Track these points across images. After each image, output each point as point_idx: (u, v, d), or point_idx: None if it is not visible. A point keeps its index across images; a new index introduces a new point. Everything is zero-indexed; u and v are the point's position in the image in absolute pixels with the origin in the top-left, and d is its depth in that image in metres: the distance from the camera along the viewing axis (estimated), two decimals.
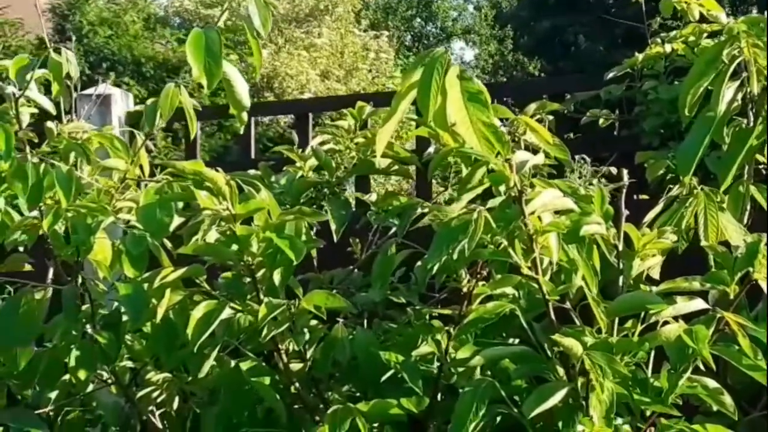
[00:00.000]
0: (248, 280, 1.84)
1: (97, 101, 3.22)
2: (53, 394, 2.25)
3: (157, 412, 2.32)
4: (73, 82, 2.09)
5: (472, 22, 18.35)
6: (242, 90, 2.04)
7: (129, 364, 2.28)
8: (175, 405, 2.35)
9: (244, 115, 2.07)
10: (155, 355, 2.13)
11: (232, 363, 2.01)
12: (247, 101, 2.05)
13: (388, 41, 12.90)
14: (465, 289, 1.83)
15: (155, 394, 2.30)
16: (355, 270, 2.50)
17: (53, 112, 2.15)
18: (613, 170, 3.08)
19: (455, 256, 1.68)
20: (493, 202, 1.82)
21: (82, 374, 1.96)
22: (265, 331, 1.78)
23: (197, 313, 1.75)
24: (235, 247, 1.81)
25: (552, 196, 1.75)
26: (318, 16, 12.23)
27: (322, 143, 2.65)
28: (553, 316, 1.79)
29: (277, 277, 1.84)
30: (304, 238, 1.83)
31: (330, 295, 1.81)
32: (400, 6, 17.51)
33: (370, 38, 12.78)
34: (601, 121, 3.36)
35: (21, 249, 2.22)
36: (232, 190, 1.76)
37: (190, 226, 1.79)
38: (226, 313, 1.77)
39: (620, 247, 1.94)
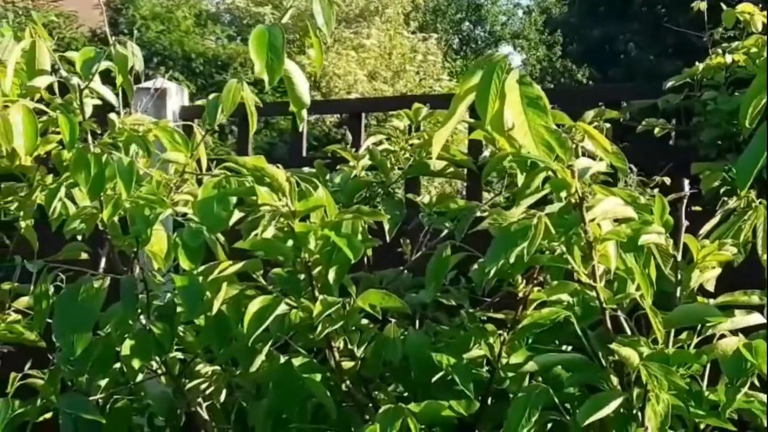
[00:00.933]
0: (303, 276, 1.84)
1: (155, 95, 3.26)
2: (103, 382, 2.27)
3: (204, 404, 2.34)
4: (134, 75, 2.10)
5: (521, 26, 18.27)
6: (303, 87, 2.04)
7: (179, 355, 2.30)
8: (222, 398, 2.37)
9: (304, 112, 2.08)
10: (207, 348, 2.15)
11: (282, 359, 2.03)
12: (307, 98, 2.06)
13: (436, 44, 12.90)
14: (521, 294, 1.82)
15: (203, 386, 2.32)
16: (405, 271, 2.50)
17: (115, 104, 2.17)
18: (667, 180, 3.06)
19: (512, 260, 1.67)
20: (550, 209, 1.81)
21: (136, 363, 1.98)
22: (319, 328, 1.78)
23: (253, 307, 1.76)
24: (291, 243, 1.81)
25: (613, 203, 1.73)
26: (368, 16, 12.26)
27: (377, 144, 2.66)
28: (609, 325, 1.78)
29: (332, 275, 1.85)
30: (359, 237, 1.83)
31: (385, 295, 1.81)
32: (449, 9, 17.48)
33: (418, 40, 12.77)
34: (656, 130, 3.33)
35: (79, 238, 2.26)
36: (291, 187, 1.77)
37: (249, 221, 1.80)
38: (281, 308, 1.78)
39: (678, 258, 1.92)
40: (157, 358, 2.19)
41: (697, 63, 3.01)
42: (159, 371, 2.24)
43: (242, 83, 1.97)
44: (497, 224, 1.69)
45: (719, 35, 3.19)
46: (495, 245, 1.68)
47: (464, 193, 3.15)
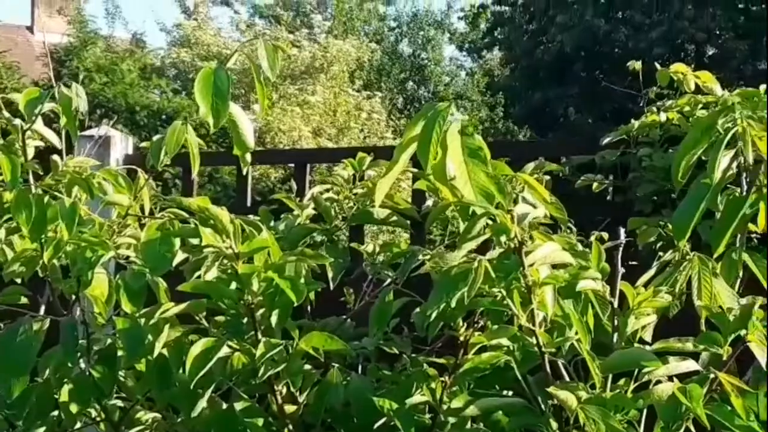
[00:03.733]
0: (246, 319, 1.84)
1: (99, 142, 3.25)
2: (41, 430, 2.23)
3: None
4: (77, 119, 2.11)
5: (464, 88, 18.58)
6: (247, 131, 2.06)
7: (119, 402, 2.27)
8: None
9: (248, 156, 2.10)
10: (147, 393, 2.13)
11: (224, 405, 2.02)
12: (251, 142, 2.08)
13: (380, 102, 13.05)
14: (462, 338, 1.84)
15: None
16: (348, 320, 2.51)
17: (59, 146, 2.17)
18: (605, 235, 3.12)
19: (453, 304, 1.70)
20: (491, 254, 1.85)
21: (74, 408, 1.96)
22: (261, 371, 1.78)
23: (195, 349, 1.76)
24: (234, 285, 1.82)
25: (551, 249, 1.77)
26: (313, 73, 12.37)
27: (321, 193, 2.69)
28: (548, 369, 1.80)
29: (274, 317, 1.85)
30: (303, 280, 1.85)
31: (329, 338, 1.82)
32: (393, 68, 17.72)
33: (363, 98, 12.91)
34: (594, 185, 3.41)
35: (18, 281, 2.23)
36: (235, 229, 1.78)
37: (192, 262, 1.80)
38: (224, 351, 1.78)
39: (615, 305, 1.97)
40: (96, 405, 2.17)
41: (633, 120, 3.11)
42: (98, 418, 2.21)
43: (186, 125, 1.98)
44: (438, 268, 1.71)
45: (654, 94, 3.29)
46: (436, 288, 1.70)
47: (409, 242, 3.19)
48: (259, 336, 1.83)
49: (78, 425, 2.18)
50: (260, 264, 1.81)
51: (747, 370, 2.14)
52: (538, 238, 1.80)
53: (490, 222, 1.82)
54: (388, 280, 2.40)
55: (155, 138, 1.98)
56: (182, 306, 1.81)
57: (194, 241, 1.82)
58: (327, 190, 2.71)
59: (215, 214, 1.77)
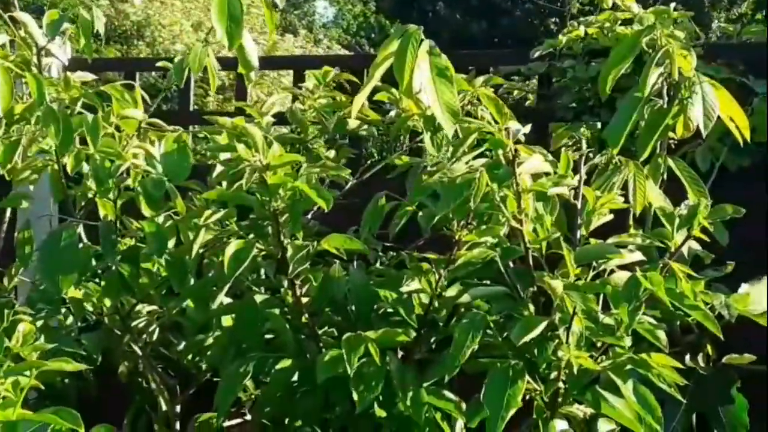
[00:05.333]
0: (270, 224, 2.08)
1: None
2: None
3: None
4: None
5: None
6: (252, 52, 2.26)
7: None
8: (155, 335, 2.58)
9: (252, 75, 2.30)
10: (157, 288, 2.34)
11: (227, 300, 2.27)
12: (255, 62, 2.29)
13: None
14: (456, 237, 2.13)
15: (141, 325, 2.52)
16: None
17: (65, 62, 2.31)
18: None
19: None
20: (477, 163, 2.12)
21: (107, 302, 2.16)
22: (291, 267, 2.03)
23: (230, 250, 1.98)
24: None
25: (537, 161, 2.07)
26: None
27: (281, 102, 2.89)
28: (531, 263, 2.12)
29: (292, 222, 2.10)
30: None
31: (348, 239, 2.08)
32: None
33: None
34: (515, 92, 3.73)
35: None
36: (264, 144, 2.00)
37: (231, 174, 2.01)
38: (254, 251, 2.02)
39: (579, 206, 2.29)
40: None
41: (560, 36, 3.41)
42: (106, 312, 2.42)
43: (208, 47, 2.17)
44: (445, 177, 1.99)
45: (576, 9, 3.60)
46: (445, 195, 1.98)
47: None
48: (282, 238, 2.07)
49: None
50: (282, 175, 2.03)
51: None
52: (523, 152, 2.09)
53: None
54: (349, 183, 2.67)
55: (177, 59, 2.16)
56: (220, 213, 2.03)
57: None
58: (294, 100, 2.90)
59: (250, 132, 1.98)
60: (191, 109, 3.63)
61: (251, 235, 2.05)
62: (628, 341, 2.19)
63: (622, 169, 2.55)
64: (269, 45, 11.41)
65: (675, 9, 3.38)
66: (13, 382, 1.39)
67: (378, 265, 2.48)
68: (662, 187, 2.60)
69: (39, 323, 2.38)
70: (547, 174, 2.11)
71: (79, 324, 2.50)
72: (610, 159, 2.62)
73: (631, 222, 2.54)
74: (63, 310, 2.44)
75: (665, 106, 2.52)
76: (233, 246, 1.99)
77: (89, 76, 2.43)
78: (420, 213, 2.09)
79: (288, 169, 2.09)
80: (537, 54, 3.39)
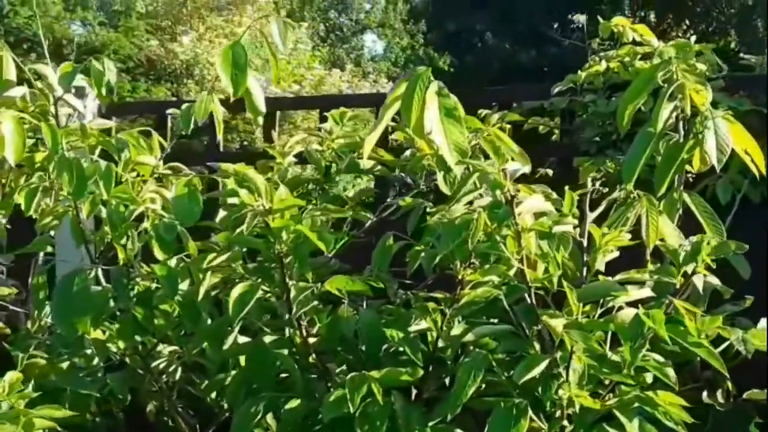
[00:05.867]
0: (275, 265, 2.13)
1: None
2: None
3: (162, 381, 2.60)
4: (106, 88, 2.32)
5: (384, 15, 18.77)
6: (259, 97, 2.33)
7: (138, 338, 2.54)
8: (178, 375, 2.64)
9: (260, 119, 2.36)
10: (174, 329, 2.40)
11: (241, 339, 2.31)
12: (263, 107, 2.35)
13: (306, 31, 13.16)
14: (459, 276, 2.16)
15: (162, 365, 2.58)
16: (333, 259, 2.80)
17: (83, 112, 2.39)
18: (549, 172, 3.49)
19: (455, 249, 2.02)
20: (479, 204, 2.15)
21: (121, 344, 2.22)
22: (294, 309, 2.08)
23: (235, 292, 2.04)
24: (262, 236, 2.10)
25: (536, 200, 2.10)
26: (239, 4, 12.40)
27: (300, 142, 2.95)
28: (533, 301, 2.14)
29: (297, 264, 2.15)
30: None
31: (350, 280, 2.12)
32: None
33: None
34: (540, 128, 3.76)
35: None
36: (266, 189, 2.05)
37: (233, 219, 2.07)
38: (258, 293, 2.07)
39: (585, 244, 2.30)
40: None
41: (579, 71, 3.43)
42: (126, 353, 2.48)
43: (212, 95, 2.23)
44: (444, 219, 2.02)
45: (596, 44, 3.63)
46: (443, 235, 2.01)
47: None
48: (287, 280, 2.12)
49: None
50: (287, 218, 2.08)
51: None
52: (523, 191, 2.12)
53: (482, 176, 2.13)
54: (368, 223, 2.71)
55: (184, 106, 2.23)
56: (225, 255, 2.09)
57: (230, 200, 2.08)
58: (307, 141, 2.97)
59: (251, 177, 2.04)
60: (221, 148, 3.73)
61: (258, 278, 2.09)
62: (649, 378, 2.19)
63: (635, 204, 2.56)
64: (316, 80, 11.60)
65: (698, 41, 3.39)
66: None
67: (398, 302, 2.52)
68: (680, 222, 2.60)
69: (64, 365, 2.48)
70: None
71: (103, 364, 2.57)
72: (629, 194, 2.63)
73: (648, 258, 2.54)
74: (89, 351, 2.52)
75: (681, 140, 2.52)
76: (238, 288, 2.04)
77: (108, 123, 2.52)
78: (422, 254, 2.12)
79: (294, 212, 2.14)
80: (558, 89, 3.42)
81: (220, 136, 2.48)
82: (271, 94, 9.76)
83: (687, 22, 16.80)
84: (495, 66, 17.98)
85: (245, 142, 9.05)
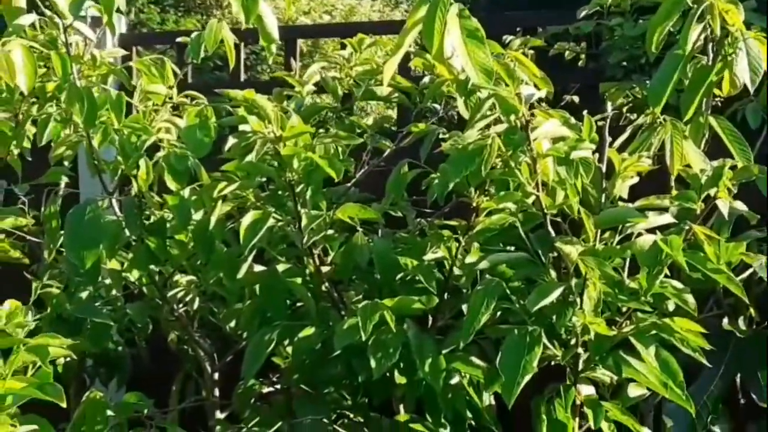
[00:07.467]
0: (286, 194, 2.10)
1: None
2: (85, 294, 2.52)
3: (181, 310, 2.61)
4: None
5: None
6: (272, 25, 2.27)
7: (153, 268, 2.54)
8: (196, 305, 2.65)
9: (273, 47, 2.32)
10: (189, 258, 2.40)
11: (256, 267, 2.31)
12: (276, 34, 2.30)
13: None
14: (474, 204, 2.12)
15: (180, 294, 2.59)
16: (353, 187, 2.78)
17: (94, 39, 2.36)
18: (576, 99, 3.41)
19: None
20: (495, 129, 2.11)
21: (135, 273, 2.22)
22: (305, 238, 2.06)
23: (246, 220, 2.02)
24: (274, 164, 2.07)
25: (552, 125, 2.04)
26: None
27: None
28: (549, 228, 2.10)
29: (310, 192, 2.12)
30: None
31: (362, 208, 2.09)
32: None
33: None
34: (566, 53, 3.66)
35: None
36: (276, 116, 2.02)
37: (242, 146, 2.04)
38: (270, 222, 2.05)
39: (603, 170, 2.25)
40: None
41: None
42: (140, 283, 2.49)
43: (222, 22, 2.19)
44: (457, 145, 1.97)
45: None
46: (455, 162, 1.97)
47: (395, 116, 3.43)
48: (299, 208, 2.09)
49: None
50: (299, 146, 2.05)
51: None
52: (540, 115, 2.07)
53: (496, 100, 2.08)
54: (387, 151, 2.68)
55: (193, 35, 2.19)
56: (235, 184, 2.06)
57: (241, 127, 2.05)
58: (327, 68, 2.92)
59: (261, 104, 2.00)
60: (242, 78, 3.68)
61: (271, 206, 2.07)
62: (672, 306, 2.16)
63: (658, 129, 2.50)
64: (347, 10, 11.44)
65: None
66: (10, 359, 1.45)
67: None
68: (707, 147, 2.54)
69: (84, 294, 2.49)
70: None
71: (121, 294, 2.59)
72: (655, 119, 2.56)
73: (672, 184, 2.49)
74: (108, 281, 2.53)
75: (709, 63, 2.45)
76: (249, 217, 2.02)
77: (120, 52, 2.49)
78: (435, 181, 2.09)
79: (307, 139, 2.11)
80: (584, 13, 3.32)
81: (231, 66, 2.41)
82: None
83: None
84: None
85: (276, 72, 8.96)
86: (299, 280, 2.19)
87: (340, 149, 2.52)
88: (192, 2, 10.97)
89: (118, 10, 2.20)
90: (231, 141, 2.09)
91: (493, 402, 2.28)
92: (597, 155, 2.22)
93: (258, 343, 2.15)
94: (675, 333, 2.04)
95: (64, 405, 1.46)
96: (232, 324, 2.58)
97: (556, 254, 2.12)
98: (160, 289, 2.46)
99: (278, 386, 2.60)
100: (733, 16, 2.30)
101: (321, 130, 2.66)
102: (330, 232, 2.28)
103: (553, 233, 2.13)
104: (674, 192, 2.41)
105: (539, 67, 2.33)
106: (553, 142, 2.10)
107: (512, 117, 2.00)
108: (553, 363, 2.15)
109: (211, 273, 2.36)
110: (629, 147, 2.45)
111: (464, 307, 2.21)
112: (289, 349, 2.46)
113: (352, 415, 2.32)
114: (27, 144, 2.47)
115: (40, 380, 1.53)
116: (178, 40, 2.40)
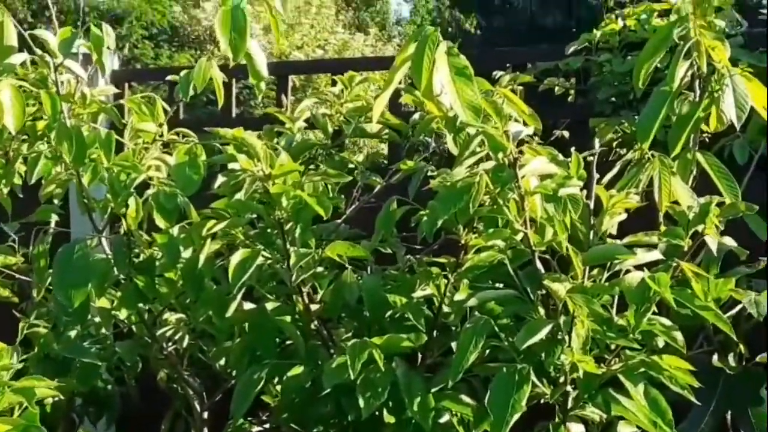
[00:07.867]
0: (275, 232, 2.11)
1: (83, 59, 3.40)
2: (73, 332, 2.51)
3: (170, 348, 2.60)
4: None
5: None
6: (261, 62, 2.29)
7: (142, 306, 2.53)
8: (185, 343, 2.64)
9: (262, 85, 2.33)
10: (177, 297, 2.39)
11: (246, 305, 2.30)
12: (265, 72, 2.31)
13: None
14: (463, 241, 2.12)
15: (169, 333, 2.58)
16: (343, 224, 2.78)
17: (85, 78, 2.37)
18: (566, 134, 3.42)
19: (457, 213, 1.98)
20: (483, 167, 2.11)
21: (124, 312, 2.22)
22: (294, 275, 2.06)
23: (235, 258, 2.02)
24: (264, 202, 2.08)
25: (540, 162, 2.05)
26: None
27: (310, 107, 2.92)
28: (538, 265, 2.10)
29: (299, 230, 2.12)
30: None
31: (351, 246, 2.10)
32: None
33: None
34: (556, 89, 3.69)
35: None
36: (265, 154, 2.02)
37: (231, 184, 2.04)
38: (259, 259, 2.05)
39: (591, 206, 2.26)
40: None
41: (594, 30, 3.36)
42: (129, 321, 2.48)
43: (212, 61, 2.20)
44: (445, 182, 1.98)
45: (612, 2, 3.55)
46: (443, 200, 1.98)
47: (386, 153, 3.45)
48: (288, 246, 2.09)
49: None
50: (288, 184, 2.06)
51: None
52: (527, 153, 2.08)
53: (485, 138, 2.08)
54: (377, 188, 2.68)
55: (182, 73, 2.20)
56: (224, 222, 2.06)
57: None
58: (317, 105, 2.94)
59: (250, 142, 2.01)
60: (234, 113, 3.70)
61: (260, 244, 2.07)
62: (660, 343, 2.16)
63: (646, 165, 2.51)
64: (339, 44, 11.52)
65: None
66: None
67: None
68: (695, 183, 2.55)
69: (72, 333, 2.48)
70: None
71: (111, 333, 2.58)
72: (643, 155, 2.57)
73: (661, 221, 2.49)
74: (97, 320, 2.52)
75: (696, 99, 2.46)
76: (238, 255, 2.02)
77: (111, 90, 2.50)
78: (424, 218, 2.09)
79: (296, 177, 2.11)
80: (572, 49, 3.35)
81: (220, 104, 2.42)
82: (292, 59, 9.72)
83: None
84: (522, 28, 17.79)
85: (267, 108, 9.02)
86: (288, 318, 2.19)
87: (329, 186, 2.54)
88: (185, 38, 11.04)
89: (108, 48, 2.22)
90: (221, 179, 2.10)
91: None
92: (585, 191, 2.23)
93: (247, 382, 2.14)
94: (664, 370, 2.04)
95: None
96: (222, 362, 2.57)
97: (544, 291, 2.12)
98: (149, 328, 2.45)
99: (267, 425, 2.59)
100: (719, 53, 2.32)
101: (311, 167, 2.67)
102: (319, 269, 2.29)
103: (542, 270, 2.14)
104: (663, 228, 2.42)
105: (529, 103, 2.35)
106: (541, 179, 2.11)
107: (500, 154, 2.01)
108: (542, 401, 2.15)
109: (201, 311, 2.35)
110: (618, 183, 2.46)
111: (453, 345, 2.22)
112: (279, 388, 2.47)
113: None
114: (18, 181, 2.47)
115: (27, 421, 1.52)
116: (168, 78, 2.41)
